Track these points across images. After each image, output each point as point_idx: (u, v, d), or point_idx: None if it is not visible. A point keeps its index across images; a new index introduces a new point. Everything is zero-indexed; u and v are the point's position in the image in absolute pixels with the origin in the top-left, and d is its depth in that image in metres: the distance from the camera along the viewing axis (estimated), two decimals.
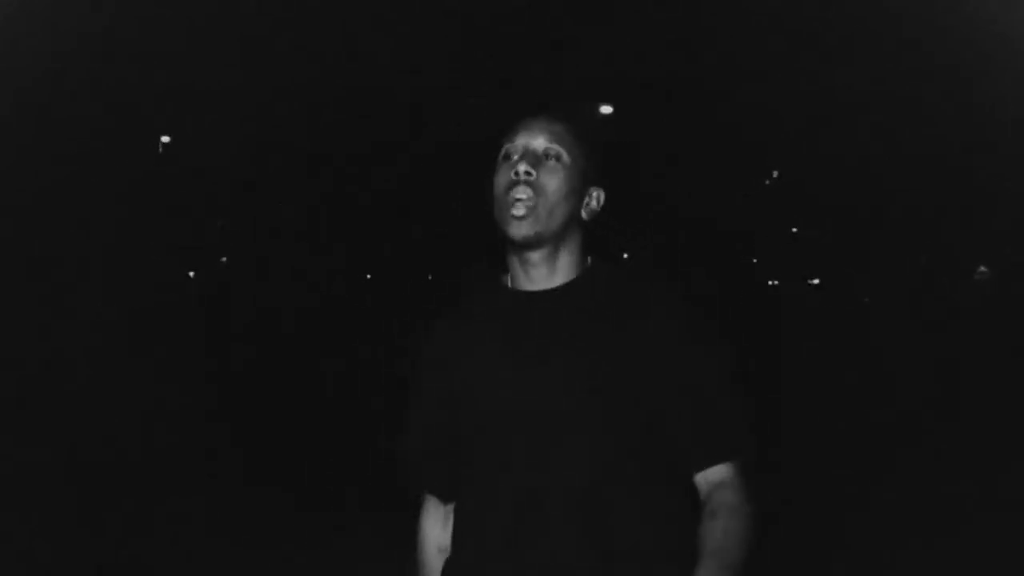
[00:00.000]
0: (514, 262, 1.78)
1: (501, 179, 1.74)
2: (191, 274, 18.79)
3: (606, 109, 19.10)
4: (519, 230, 1.71)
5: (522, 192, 1.70)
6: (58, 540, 4.54)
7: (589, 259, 1.81)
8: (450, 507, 1.84)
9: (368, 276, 21.22)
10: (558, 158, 1.73)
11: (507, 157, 1.75)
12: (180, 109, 14.05)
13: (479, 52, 16.25)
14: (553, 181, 1.72)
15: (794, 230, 24.75)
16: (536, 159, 1.73)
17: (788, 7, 14.32)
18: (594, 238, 1.82)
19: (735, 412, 1.72)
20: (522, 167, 1.71)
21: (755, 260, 23.83)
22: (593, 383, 1.68)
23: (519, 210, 1.70)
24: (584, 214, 1.78)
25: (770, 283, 23.90)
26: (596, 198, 1.79)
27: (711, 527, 1.63)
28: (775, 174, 24.14)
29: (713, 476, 1.69)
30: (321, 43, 14.82)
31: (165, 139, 18.45)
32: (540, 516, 1.66)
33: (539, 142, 1.74)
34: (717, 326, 1.81)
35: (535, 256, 1.75)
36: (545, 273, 1.76)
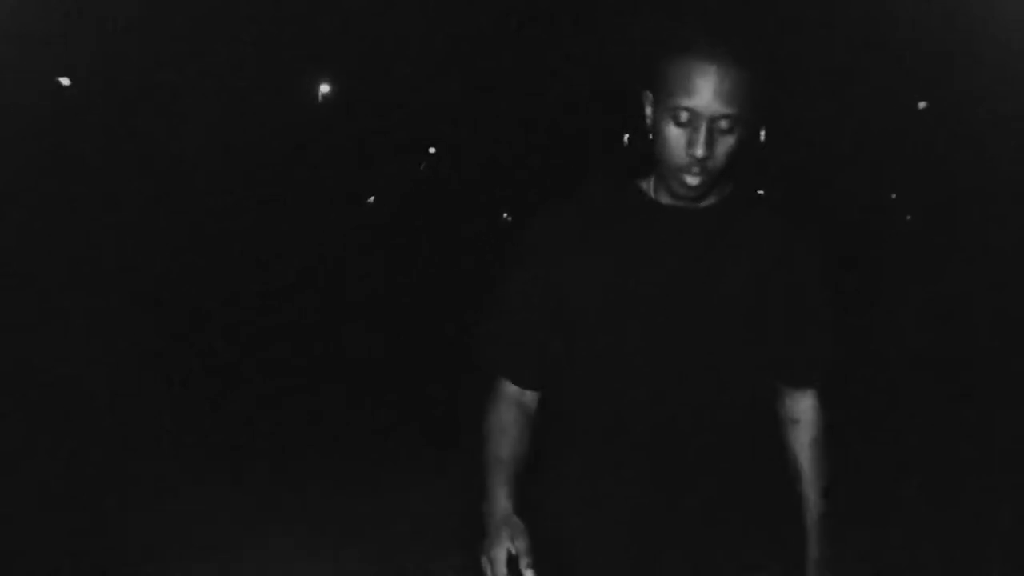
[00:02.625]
0: (663, 183, 1.78)
1: (673, 144, 1.69)
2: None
3: None
4: (689, 193, 1.73)
5: (698, 173, 1.69)
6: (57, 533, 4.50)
7: (729, 187, 1.82)
8: (528, 394, 1.86)
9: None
10: (731, 130, 1.67)
11: (678, 121, 1.67)
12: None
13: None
14: (727, 150, 1.68)
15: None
16: (711, 133, 1.66)
17: None
18: None
19: (832, 348, 1.90)
20: (699, 151, 1.66)
21: (894, 196, 22.92)
22: (722, 303, 1.75)
23: (693, 181, 1.70)
24: (743, 156, 1.78)
25: (907, 218, 22.99)
26: (758, 137, 1.82)
27: (808, 445, 1.90)
28: (922, 105, 23.02)
29: (802, 396, 1.90)
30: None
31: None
32: (655, 425, 1.76)
33: (716, 108, 1.64)
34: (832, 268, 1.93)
35: None
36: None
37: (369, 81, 16.94)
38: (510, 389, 1.86)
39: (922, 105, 20.91)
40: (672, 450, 1.76)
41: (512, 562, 1.64)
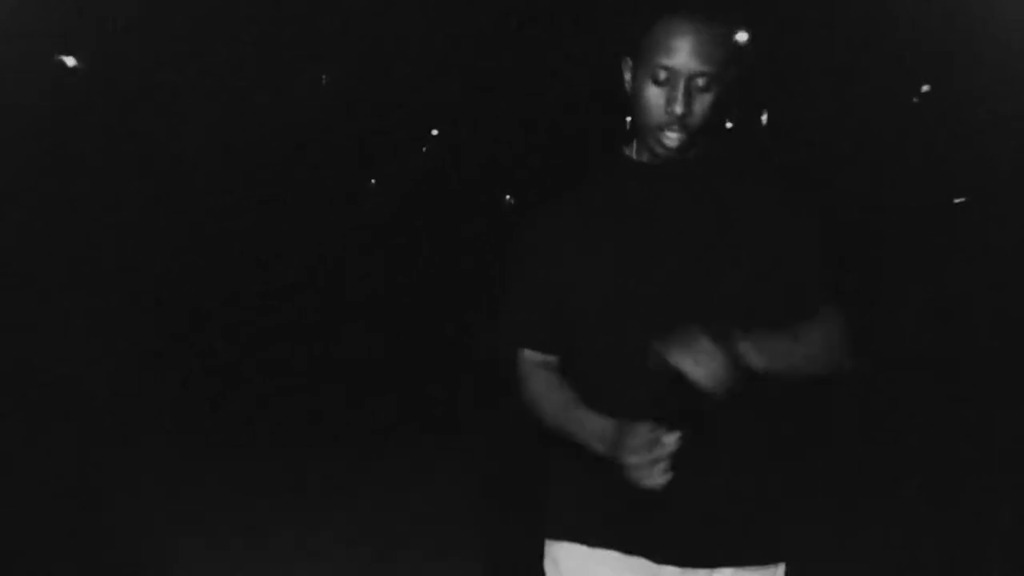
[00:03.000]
0: (644, 144, 1.81)
1: (652, 103, 1.74)
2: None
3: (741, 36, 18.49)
4: (669, 153, 1.76)
5: (675, 131, 1.73)
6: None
7: (709, 146, 1.84)
8: (550, 359, 1.87)
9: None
10: (708, 88, 1.72)
11: (657, 81, 1.72)
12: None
13: None
14: (703, 110, 1.73)
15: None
16: (689, 91, 1.71)
17: None
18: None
19: (835, 279, 1.83)
20: (678, 108, 1.70)
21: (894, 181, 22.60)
22: (715, 257, 1.75)
23: (672, 142, 1.74)
24: (722, 115, 1.82)
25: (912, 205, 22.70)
26: (732, 96, 1.81)
27: (815, 323, 1.78)
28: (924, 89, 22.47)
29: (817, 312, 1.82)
30: None
31: None
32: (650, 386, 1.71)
33: (693, 68, 1.70)
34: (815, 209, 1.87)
35: None
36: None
37: (369, 80, 16.87)
38: (531, 356, 1.88)
39: (925, 89, 20.40)
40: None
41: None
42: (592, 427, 1.75)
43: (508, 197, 20.68)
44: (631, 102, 1.78)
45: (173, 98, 12.10)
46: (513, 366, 1.90)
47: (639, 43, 1.74)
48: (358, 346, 9.40)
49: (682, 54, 1.69)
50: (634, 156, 1.84)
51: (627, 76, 1.79)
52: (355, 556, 4.42)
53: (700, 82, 1.71)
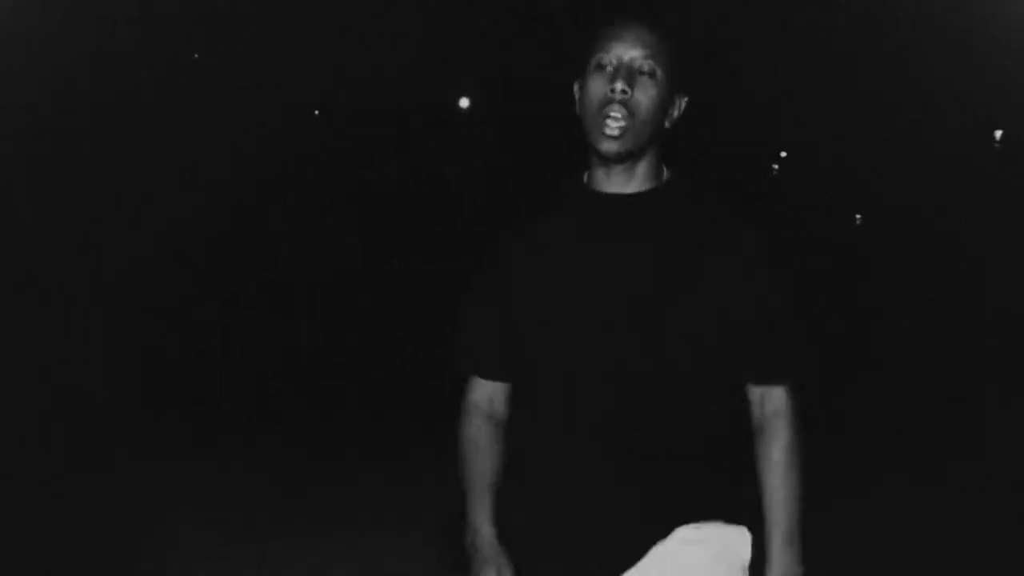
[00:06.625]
0: (597, 164, 1.79)
1: (595, 91, 1.72)
2: None
3: None
4: (611, 148, 1.72)
5: (617, 111, 1.70)
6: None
7: (666, 171, 1.82)
8: (497, 385, 1.89)
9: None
10: (652, 74, 1.71)
11: (600, 67, 1.72)
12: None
13: None
14: (646, 99, 1.71)
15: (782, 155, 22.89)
16: (631, 75, 1.70)
17: None
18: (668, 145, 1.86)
19: (800, 338, 1.78)
20: (619, 85, 1.69)
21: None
22: (662, 289, 1.71)
23: (613, 130, 1.71)
24: (667, 124, 1.78)
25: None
26: (679, 106, 1.80)
27: (774, 460, 1.74)
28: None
29: (769, 397, 1.77)
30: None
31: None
32: (597, 413, 1.72)
33: (634, 54, 1.71)
34: (787, 251, 1.84)
35: (619, 166, 1.76)
36: (624, 179, 1.78)
37: (366, 84, 16.90)
38: (479, 395, 1.89)
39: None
40: (623, 444, 1.73)
41: None
42: (475, 530, 1.84)
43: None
44: (581, 114, 1.77)
45: (172, 98, 12.11)
46: (461, 392, 1.92)
47: (585, 59, 1.75)
48: (359, 347, 9.40)
49: (617, 42, 1.71)
50: (585, 180, 1.82)
51: (577, 98, 1.79)
52: (355, 558, 4.42)
53: (644, 66, 1.70)
